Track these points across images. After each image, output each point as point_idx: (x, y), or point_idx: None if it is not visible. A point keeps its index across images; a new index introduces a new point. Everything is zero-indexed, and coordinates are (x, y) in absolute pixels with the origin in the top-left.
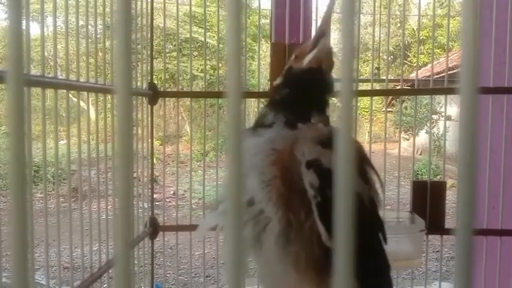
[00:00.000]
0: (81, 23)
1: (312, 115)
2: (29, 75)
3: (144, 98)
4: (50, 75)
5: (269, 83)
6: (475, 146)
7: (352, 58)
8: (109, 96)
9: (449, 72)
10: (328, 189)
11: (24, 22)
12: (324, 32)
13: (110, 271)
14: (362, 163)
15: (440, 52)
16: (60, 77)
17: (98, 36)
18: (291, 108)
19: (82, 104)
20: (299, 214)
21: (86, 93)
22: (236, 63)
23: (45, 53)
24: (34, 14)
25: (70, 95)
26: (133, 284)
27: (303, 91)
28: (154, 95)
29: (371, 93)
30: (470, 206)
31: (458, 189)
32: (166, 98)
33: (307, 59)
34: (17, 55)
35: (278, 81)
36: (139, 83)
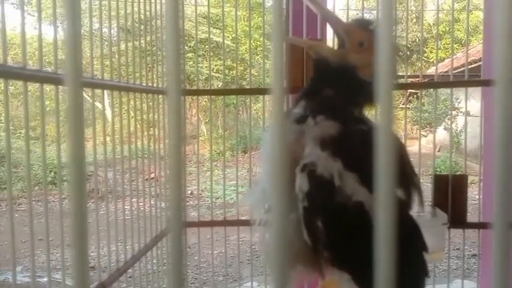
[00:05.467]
0: (97, 26)
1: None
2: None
3: (162, 96)
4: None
5: (285, 81)
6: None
7: (391, 54)
8: (125, 98)
9: (469, 66)
10: (317, 195)
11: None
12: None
13: (130, 270)
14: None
15: (457, 47)
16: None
17: (120, 39)
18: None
19: (98, 104)
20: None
21: (104, 95)
22: (279, 59)
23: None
24: (51, 18)
25: (88, 97)
26: (184, 257)
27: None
28: None
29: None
30: (507, 199)
31: (495, 182)
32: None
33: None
34: (74, 58)
35: None
36: (155, 84)
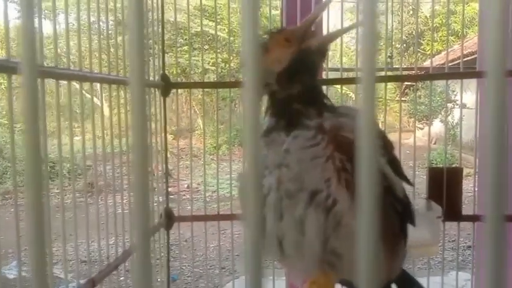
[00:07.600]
0: (92, 19)
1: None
2: (42, 66)
3: (156, 90)
4: (62, 67)
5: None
6: (504, 130)
7: (374, 43)
8: (122, 92)
9: (464, 59)
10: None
11: (36, 19)
12: (317, 16)
13: (127, 263)
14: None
15: (453, 39)
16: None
17: (110, 32)
18: (308, 96)
19: (95, 100)
20: None
21: (99, 88)
22: (253, 53)
23: (58, 50)
24: (46, 11)
25: (84, 92)
26: (152, 270)
27: (314, 73)
28: (166, 86)
29: (386, 79)
30: (498, 192)
31: (488, 174)
32: (179, 92)
33: (320, 39)
34: (29, 45)
35: (283, 66)
36: (151, 77)
